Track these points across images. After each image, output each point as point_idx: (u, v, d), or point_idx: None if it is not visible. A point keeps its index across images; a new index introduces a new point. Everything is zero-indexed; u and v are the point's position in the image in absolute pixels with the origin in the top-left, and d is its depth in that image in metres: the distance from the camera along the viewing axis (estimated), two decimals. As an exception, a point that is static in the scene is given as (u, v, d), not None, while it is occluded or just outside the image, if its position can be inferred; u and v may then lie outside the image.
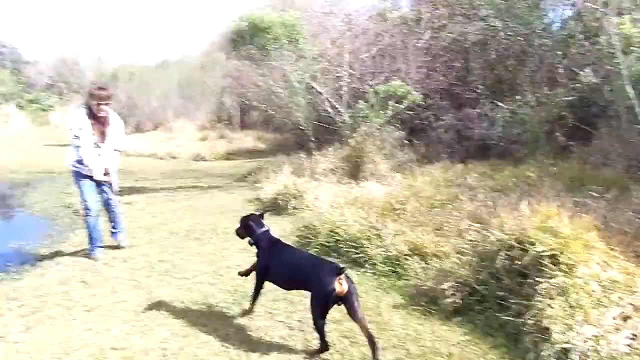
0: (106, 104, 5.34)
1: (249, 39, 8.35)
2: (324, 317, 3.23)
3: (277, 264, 3.70)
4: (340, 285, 3.16)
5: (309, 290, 3.35)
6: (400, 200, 6.04)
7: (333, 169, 8.58)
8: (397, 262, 4.68)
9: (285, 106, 9.56)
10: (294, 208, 6.94)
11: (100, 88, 5.39)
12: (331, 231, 5.34)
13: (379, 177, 8.23)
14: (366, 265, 4.77)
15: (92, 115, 5.29)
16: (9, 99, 39.80)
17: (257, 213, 4.17)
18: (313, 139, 9.72)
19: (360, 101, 9.13)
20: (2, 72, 48.42)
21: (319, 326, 3.23)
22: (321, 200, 6.92)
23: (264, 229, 3.94)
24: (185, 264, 5.07)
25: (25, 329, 3.76)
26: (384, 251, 4.84)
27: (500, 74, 11.36)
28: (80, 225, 7.28)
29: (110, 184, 5.60)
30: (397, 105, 9.03)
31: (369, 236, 5.07)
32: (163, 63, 22.06)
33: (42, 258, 5.85)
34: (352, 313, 3.23)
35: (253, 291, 3.86)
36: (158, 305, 4.07)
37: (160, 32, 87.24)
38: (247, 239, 4.01)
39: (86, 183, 5.43)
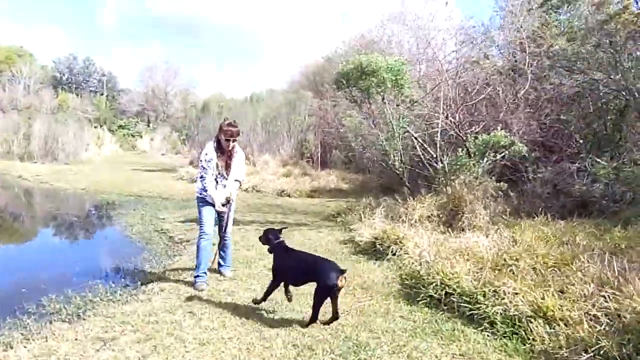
0: (234, 140, 5.59)
1: (354, 81, 8.37)
2: (323, 302, 4.34)
3: (291, 265, 4.70)
4: (341, 282, 4.29)
5: (317, 282, 4.36)
6: (512, 256, 5.67)
7: (429, 216, 8.30)
8: (519, 324, 4.32)
9: (381, 149, 9.42)
10: (393, 254, 6.70)
11: (231, 125, 5.63)
12: (442, 283, 5.06)
13: (477, 228, 7.88)
14: (484, 324, 4.43)
15: (220, 149, 5.58)
16: (102, 123, 42.63)
17: (276, 228, 5.12)
18: (407, 184, 9.49)
19: (459, 149, 8.87)
20: (99, 98, 52.44)
21: (318, 308, 4.35)
22: (423, 248, 6.64)
23: (279, 240, 4.93)
24: (290, 304, 4.93)
25: (142, 357, 3.73)
26: (503, 310, 4.49)
27: (599, 128, 10.81)
28: (177, 252, 7.50)
29: (228, 215, 5.83)
30: (496, 155, 8.71)
31: (484, 292, 4.75)
32: (251, 97, 22.74)
33: (145, 282, 5.98)
34: (334, 301, 4.36)
35: (268, 288, 4.75)
36: (270, 346, 3.94)
37: (243, 67, 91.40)
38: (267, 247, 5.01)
39: (207, 209, 5.73)
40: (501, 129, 8.64)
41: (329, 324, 4.39)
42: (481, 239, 6.70)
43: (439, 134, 9.74)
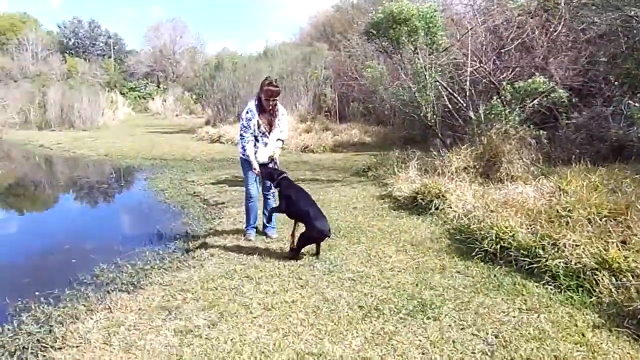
0: (274, 100, 5.53)
1: (384, 31, 8.05)
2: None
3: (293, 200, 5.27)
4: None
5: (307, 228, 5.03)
6: (565, 207, 5.54)
7: (466, 168, 8.15)
8: (584, 277, 4.24)
9: (407, 100, 9.17)
10: (436, 208, 6.60)
11: (271, 84, 5.56)
12: (496, 236, 4.97)
13: (516, 179, 7.74)
14: (545, 278, 4.35)
15: (261, 107, 5.53)
16: (112, 87, 42.33)
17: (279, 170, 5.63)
18: (440, 136, 9.29)
19: (494, 97, 8.61)
20: (107, 61, 51.94)
21: (301, 249, 5.08)
22: (467, 201, 6.54)
23: (283, 175, 5.51)
24: (344, 263, 4.88)
25: (211, 324, 3.71)
26: (565, 263, 4.41)
27: (633, 69, 10.38)
28: (215, 216, 7.47)
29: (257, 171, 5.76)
30: (533, 102, 8.45)
31: (543, 245, 4.66)
32: (265, 52, 22.29)
33: (191, 248, 5.96)
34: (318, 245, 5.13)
35: (271, 209, 5.76)
36: (335, 308, 3.91)
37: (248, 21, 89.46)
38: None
39: (251, 169, 5.72)
40: (538, 75, 8.31)
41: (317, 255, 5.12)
42: (526, 190, 6.56)
43: (468, 83, 9.48)
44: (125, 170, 13.35)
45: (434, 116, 9.06)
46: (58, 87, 26.99)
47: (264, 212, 6.04)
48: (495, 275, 4.53)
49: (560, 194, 6.32)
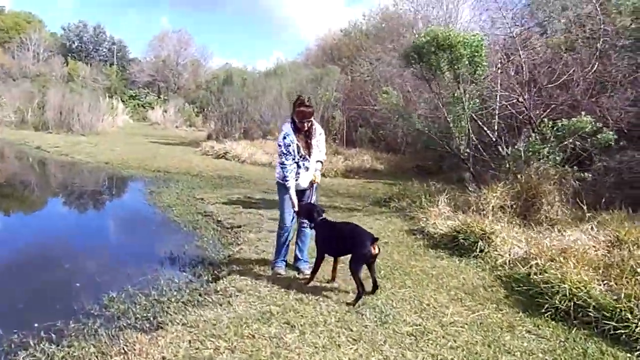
0: (309, 121, 5.02)
1: (426, 56, 7.53)
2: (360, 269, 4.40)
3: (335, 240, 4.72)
4: (375, 249, 4.43)
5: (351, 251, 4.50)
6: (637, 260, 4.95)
7: (502, 207, 7.57)
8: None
9: (446, 131, 8.65)
10: (481, 251, 5.99)
11: (303, 104, 5.00)
12: (570, 292, 4.35)
13: (555, 222, 7.19)
14: (637, 347, 3.74)
15: (297, 129, 5.03)
16: (112, 93, 41.70)
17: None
18: (472, 170, 8.72)
19: (532, 134, 8.08)
20: (110, 68, 51.37)
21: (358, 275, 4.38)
22: (515, 245, 5.94)
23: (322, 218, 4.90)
24: (396, 313, 4.22)
25: (254, 385, 3.05)
26: (662, 333, 3.80)
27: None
28: (232, 240, 6.82)
29: (310, 199, 5.28)
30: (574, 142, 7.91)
31: (630, 307, 4.05)
32: (275, 69, 21.83)
33: (210, 277, 5.32)
34: (372, 269, 4.60)
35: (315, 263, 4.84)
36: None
37: (253, 38, 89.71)
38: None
39: (288, 198, 5.16)
40: (583, 113, 7.78)
41: (373, 293, 4.58)
42: (580, 237, 5.96)
43: (497, 117, 8.99)
44: (127, 181, 12.65)
45: (467, 149, 8.49)
46: (59, 89, 26.30)
47: (297, 243, 5.39)
48: (574, 340, 3.90)
49: (619, 245, 5.75)
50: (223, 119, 21.42)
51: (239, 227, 7.55)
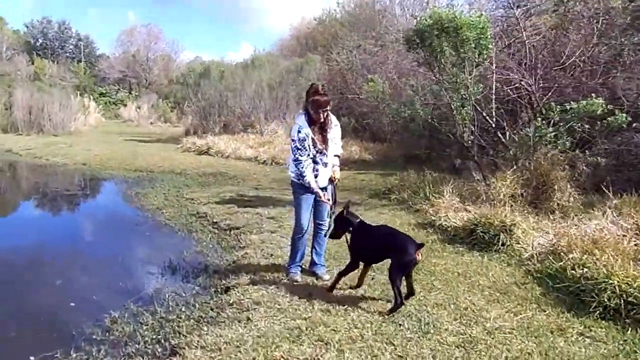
0: (324, 111, 4.51)
1: (429, 40, 7.10)
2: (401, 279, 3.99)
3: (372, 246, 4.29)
4: (419, 255, 4.02)
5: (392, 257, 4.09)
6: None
7: (513, 196, 7.25)
8: None
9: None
10: (503, 244, 5.65)
11: (317, 93, 4.51)
12: (619, 289, 4.03)
13: (567, 209, 6.92)
14: None
15: (312, 121, 4.55)
16: (82, 91, 40.33)
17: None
18: (476, 158, 8.38)
19: (538, 119, 7.78)
20: (77, 65, 49.70)
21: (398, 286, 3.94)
22: (540, 236, 5.62)
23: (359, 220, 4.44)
24: (435, 320, 3.83)
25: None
26: None
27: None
28: (234, 244, 6.36)
29: (330, 201, 4.78)
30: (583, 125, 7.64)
31: (686, 303, 3.75)
32: (253, 61, 21.20)
33: (219, 289, 4.83)
34: (410, 274, 4.10)
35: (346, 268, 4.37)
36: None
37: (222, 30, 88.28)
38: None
39: (305, 199, 4.71)
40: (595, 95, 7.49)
41: (406, 299, 4.08)
42: (600, 223, 5.66)
43: (492, 101, 8.64)
44: (109, 183, 12.00)
45: (470, 136, 8.14)
46: (26, 88, 25.16)
47: (313, 247, 4.94)
48: (633, 342, 3.58)
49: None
50: (201, 114, 20.75)
51: (238, 228, 7.08)
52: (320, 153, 4.59)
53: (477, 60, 7.37)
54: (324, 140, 4.62)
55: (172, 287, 4.95)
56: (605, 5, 9.18)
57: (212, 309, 4.31)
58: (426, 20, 7.17)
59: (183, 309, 4.35)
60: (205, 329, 3.82)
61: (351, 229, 4.35)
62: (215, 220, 7.58)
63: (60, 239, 7.33)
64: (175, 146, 18.24)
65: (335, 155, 4.75)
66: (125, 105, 40.72)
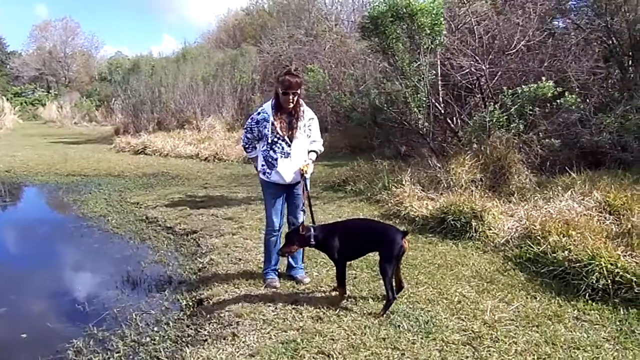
0: (294, 94, 4.15)
1: (383, 27, 6.92)
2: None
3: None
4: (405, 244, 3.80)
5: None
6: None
7: (473, 181, 7.27)
8: None
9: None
10: (476, 231, 5.60)
11: (289, 73, 4.17)
12: (606, 270, 4.03)
13: (524, 191, 7.03)
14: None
15: (279, 107, 4.23)
16: (-6, 92, 37.47)
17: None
18: (431, 144, 8.35)
19: (491, 103, 7.84)
20: (-15, 62, 46.09)
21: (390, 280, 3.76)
22: (509, 221, 5.62)
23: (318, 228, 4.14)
24: (433, 318, 3.64)
25: None
26: None
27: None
28: (193, 251, 5.97)
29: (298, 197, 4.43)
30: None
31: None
32: (184, 54, 20.37)
33: (190, 302, 4.44)
34: (398, 267, 3.90)
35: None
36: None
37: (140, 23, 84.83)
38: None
39: (272, 194, 4.38)
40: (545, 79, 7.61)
41: (397, 294, 3.89)
42: (572, 205, 5.74)
43: (439, 87, 8.65)
44: (41, 191, 11.05)
45: (425, 123, 8.09)
46: None
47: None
48: (628, 322, 3.57)
49: (612, 211, 5.60)
50: (131, 111, 19.70)
51: (195, 232, 6.64)
52: (282, 140, 4.22)
53: (431, 46, 7.27)
54: (289, 128, 4.25)
55: (137, 304, 4.49)
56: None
57: (188, 327, 3.93)
58: (380, 7, 6.99)
59: (155, 329, 3.94)
60: (188, 350, 3.44)
61: (313, 242, 4.01)
62: (168, 225, 7.10)
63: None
64: (108, 146, 17.26)
65: (311, 151, 4.41)
66: (44, 105, 38.27)
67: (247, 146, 4.46)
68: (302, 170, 4.28)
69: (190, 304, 4.39)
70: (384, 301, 3.79)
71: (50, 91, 44.36)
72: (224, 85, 18.80)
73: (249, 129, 4.35)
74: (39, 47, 49.85)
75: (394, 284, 3.80)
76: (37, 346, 3.78)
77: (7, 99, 35.55)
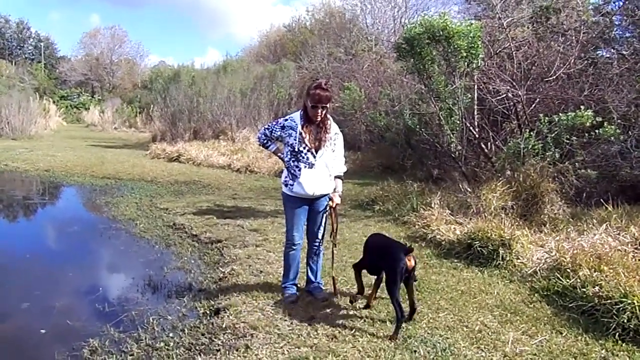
0: (323, 107, 4.13)
1: (419, 48, 6.88)
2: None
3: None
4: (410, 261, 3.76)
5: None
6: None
7: (504, 208, 7.10)
8: None
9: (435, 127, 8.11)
10: (503, 259, 5.45)
11: (319, 87, 4.13)
12: (638, 308, 3.84)
13: (557, 222, 6.80)
14: None
15: (307, 118, 4.19)
16: (41, 94, 38.86)
17: None
18: (463, 169, 8.21)
19: (526, 130, 7.68)
20: (36, 66, 47.93)
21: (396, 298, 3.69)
22: (539, 251, 5.45)
23: None
24: (451, 346, 3.54)
25: None
26: None
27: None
28: (216, 259, 5.97)
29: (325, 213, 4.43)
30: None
31: None
32: (225, 66, 20.72)
33: (207, 311, 4.43)
34: (410, 287, 3.87)
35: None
36: None
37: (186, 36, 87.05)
38: None
39: (294, 207, 4.34)
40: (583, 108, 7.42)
41: (410, 319, 3.90)
42: (606, 240, 5.52)
43: (475, 111, 8.52)
44: (75, 191, 11.35)
45: (458, 147, 7.97)
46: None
47: (308, 264, 4.60)
48: (661, 368, 3.38)
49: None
50: (169, 119, 20.10)
51: (220, 241, 6.67)
52: (307, 151, 4.18)
53: (467, 70, 7.19)
54: (318, 140, 4.22)
55: (155, 309, 4.52)
56: (580, 18, 9.22)
57: (203, 335, 3.92)
58: (416, 28, 6.96)
59: (170, 335, 3.95)
60: (199, 359, 3.44)
61: None
62: (194, 233, 7.16)
63: (25, 254, 6.53)
64: (144, 152, 17.60)
65: (336, 177, 4.37)
66: (87, 109, 39.43)
67: (264, 142, 4.44)
68: (331, 204, 4.33)
69: (208, 312, 4.39)
70: (410, 313, 3.91)
71: (95, 96, 45.79)
72: (260, 99, 19.00)
73: (271, 129, 4.35)
74: (87, 53, 51.60)
75: (401, 304, 3.70)
76: (54, 342, 3.84)
77: (54, 102, 36.91)
